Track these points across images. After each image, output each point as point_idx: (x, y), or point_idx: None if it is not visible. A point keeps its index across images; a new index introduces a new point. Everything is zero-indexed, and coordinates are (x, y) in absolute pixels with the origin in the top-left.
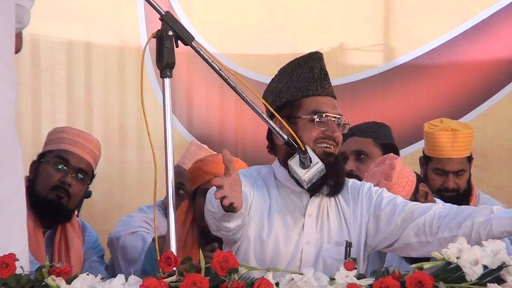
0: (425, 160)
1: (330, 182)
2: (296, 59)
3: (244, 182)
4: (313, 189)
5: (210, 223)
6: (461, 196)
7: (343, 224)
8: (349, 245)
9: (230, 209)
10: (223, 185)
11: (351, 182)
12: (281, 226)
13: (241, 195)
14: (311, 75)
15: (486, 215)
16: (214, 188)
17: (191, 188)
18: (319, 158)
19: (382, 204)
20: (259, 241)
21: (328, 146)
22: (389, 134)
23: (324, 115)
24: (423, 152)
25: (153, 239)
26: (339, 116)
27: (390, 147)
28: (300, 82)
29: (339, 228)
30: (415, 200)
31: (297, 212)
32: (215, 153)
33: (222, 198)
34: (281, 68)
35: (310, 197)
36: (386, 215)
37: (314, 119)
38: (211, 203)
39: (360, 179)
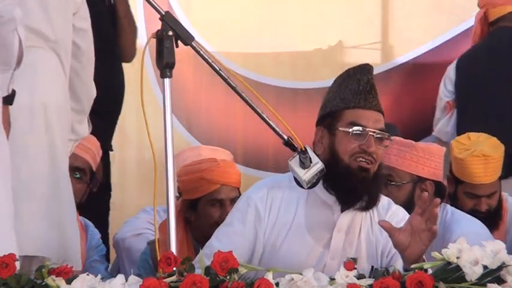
0: (455, 181)
1: (364, 198)
2: (348, 69)
3: (257, 216)
4: (346, 204)
5: None
6: (493, 213)
7: (372, 246)
8: (374, 271)
9: None
10: None
11: (394, 208)
12: (302, 240)
13: None
14: (356, 87)
15: None
16: None
17: (187, 196)
18: (354, 173)
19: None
20: (276, 257)
21: (364, 161)
22: (398, 134)
23: (360, 128)
24: (451, 171)
25: (148, 243)
26: (379, 131)
27: None
28: (345, 93)
29: (369, 250)
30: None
31: (325, 225)
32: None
33: None
34: (337, 77)
35: (342, 212)
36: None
37: (350, 132)
38: None
39: None
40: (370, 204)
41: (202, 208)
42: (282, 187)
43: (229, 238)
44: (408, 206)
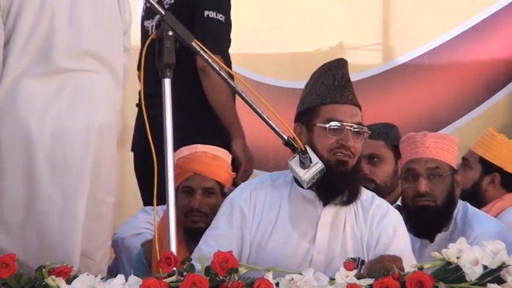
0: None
1: (345, 193)
2: (324, 64)
3: (242, 217)
4: (326, 198)
5: None
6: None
7: (358, 239)
8: (361, 262)
9: None
10: None
11: (378, 201)
12: (288, 237)
13: None
14: (331, 82)
15: None
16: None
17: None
18: (332, 167)
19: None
20: (263, 255)
21: (342, 155)
22: (398, 135)
23: (337, 123)
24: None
25: (141, 244)
26: (356, 125)
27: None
28: (321, 89)
29: (354, 243)
30: None
31: (309, 220)
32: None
33: None
34: (313, 73)
35: (324, 206)
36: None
37: (327, 127)
38: None
39: (374, 182)
40: (350, 198)
41: (178, 197)
42: (264, 187)
43: (216, 241)
44: (451, 198)
